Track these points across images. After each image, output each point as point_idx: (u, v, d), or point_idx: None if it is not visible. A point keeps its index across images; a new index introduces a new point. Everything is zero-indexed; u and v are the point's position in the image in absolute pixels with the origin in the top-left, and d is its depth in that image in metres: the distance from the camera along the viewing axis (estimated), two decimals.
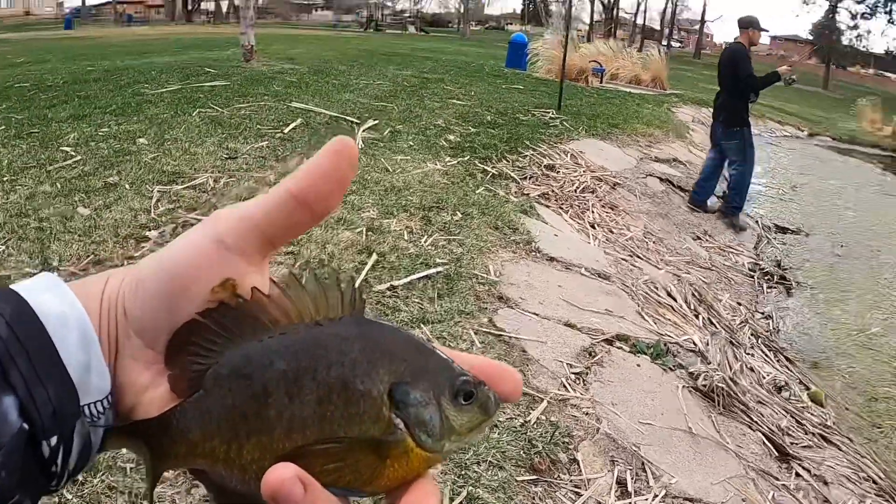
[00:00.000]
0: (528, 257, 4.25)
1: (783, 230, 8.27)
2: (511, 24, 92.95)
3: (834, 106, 37.81)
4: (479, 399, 0.39)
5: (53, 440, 0.37)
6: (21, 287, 0.38)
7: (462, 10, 73.11)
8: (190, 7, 63.85)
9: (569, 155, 7.17)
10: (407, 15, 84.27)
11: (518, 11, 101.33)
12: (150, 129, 5.97)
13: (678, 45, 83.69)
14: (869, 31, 69.39)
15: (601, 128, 9.23)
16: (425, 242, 4.05)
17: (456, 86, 10.70)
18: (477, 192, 5.27)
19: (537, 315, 3.52)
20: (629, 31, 74.63)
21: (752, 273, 6.29)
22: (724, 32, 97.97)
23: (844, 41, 69.20)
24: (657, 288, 4.50)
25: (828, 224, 9.14)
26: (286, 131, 6.19)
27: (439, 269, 3.71)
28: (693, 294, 4.66)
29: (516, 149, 6.84)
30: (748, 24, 7.75)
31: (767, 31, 7.98)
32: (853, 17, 68.85)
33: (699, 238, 6.75)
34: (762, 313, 5.44)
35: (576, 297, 3.87)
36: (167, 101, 7.18)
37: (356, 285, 0.40)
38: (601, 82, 17.40)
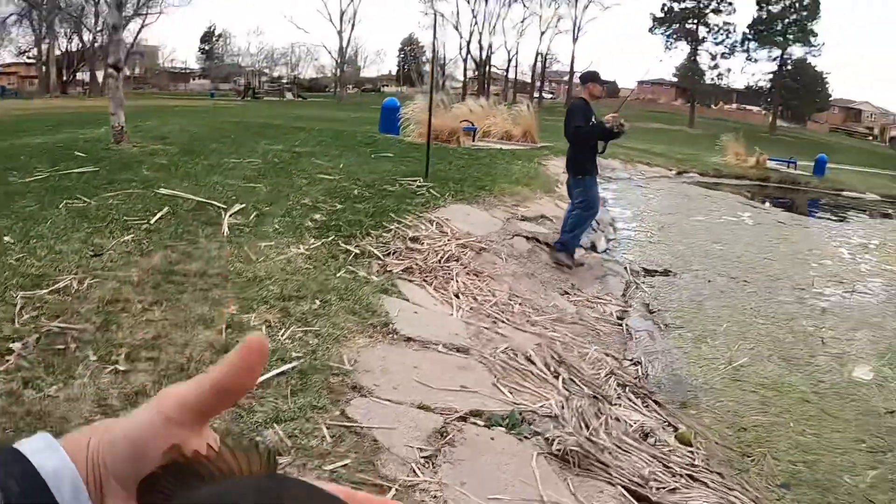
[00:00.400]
0: (384, 340, 4.30)
1: (651, 273, 8.56)
2: (387, 85, 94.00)
3: (700, 142, 39.42)
4: None
5: None
6: (25, 448, 0.51)
7: (338, 75, 73.65)
8: (65, 78, 62.39)
9: (434, 224, 7.27)
10: (284, 81, 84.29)
11: (393, 73, 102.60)
12: (17, 224, 5.76)
13: (550, 96, 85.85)
14: (729, 70, 72.87)
15: (468, 192, 9.39)
16: (282, 336, 4.07)
17: (326, 159, 10.73)
18: (338, 275, 5.30)
19: (390, 401, 3.57)
20: (502, 86, 76.38)
21: (620, 321, 6.47)
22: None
23: (707, 80, 72.33)
24: (517, 355, 4.60)
25: (696, 261, 9.50)
26: (152, 222, 6.08)
27: (294, 364, 3.73)
28: (552, 356, 4.77)
29: (381, 223, 6.90)
30: (587, 80, 8.16)
31: (608, 83, 8.32)
32: (713, 57, 72.33)
33: (567, 293, 6.90)
34: (630, 360, 5.57)
35: (431, 377, 3.93)
36: (35, 192, 6.97)
37: (271, 449, 0.52)
38: (473, 141, 17.72)
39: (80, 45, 63.25)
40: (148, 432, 0.52)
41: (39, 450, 0.50)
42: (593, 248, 9.28)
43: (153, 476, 0.52)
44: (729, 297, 7.88)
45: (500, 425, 3.57)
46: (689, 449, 4.21)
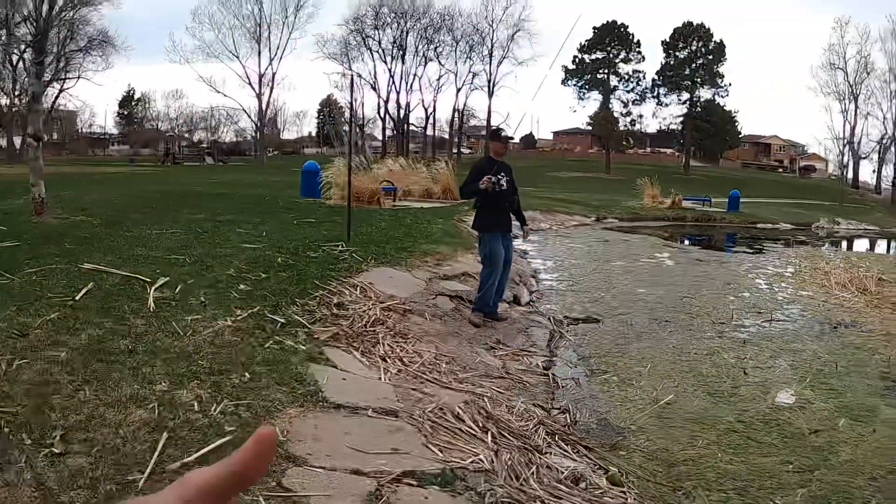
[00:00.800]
0: (315, 409, 4.35)
1: (575, 321, 8.72)
2: (307, 147, 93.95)
3: (617, 188, 40.30)
4: None
5: None
6: None
7: (258, 138, 73.30)
8: None
9: (358, 289, 7.34)
10: (204, 146, 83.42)
11: (314, 134, 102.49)
12: None
13: (468, 151, 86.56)
14: (641, 115, 74.89)
15: (391, 254, 9.49)
16: (215, 411, 4.09)
17: (248, 227, 10.75)
18: (266, 346, 5.33)
19: (324, 468, 3.62)
20: (421, 143, 76.96)
21: (546, 372, 6.58)
22: (512, 133, 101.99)
23: (621, 127, 74.13)
24: (445, 414, 4.69)
25: (619, 305, 9.71)
26: (77, 298, 5.95)
27: (228, 438, 3.77)
28: (480, 412, 4.87)
29: (307, 290, 6.95)
30: (489, 138, 8.39)
31: (512, 139, 8.51)
32: (625, 104, 74.33)
33: (493, 348, 6.99)
34: (558, 409, 5.65)
35: (363, 442, 4.00)
36: None
37: None
38: (395, 201, 17.89)
39: None
40: None
41: None
42: (516, 301, 9.40)
43: None
44: (652, 338, 8.06)
45: (434, 484, 3.65)
46: (621, 489, 4.30)
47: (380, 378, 5.30)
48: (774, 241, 22.28)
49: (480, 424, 4.66)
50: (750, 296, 11.03)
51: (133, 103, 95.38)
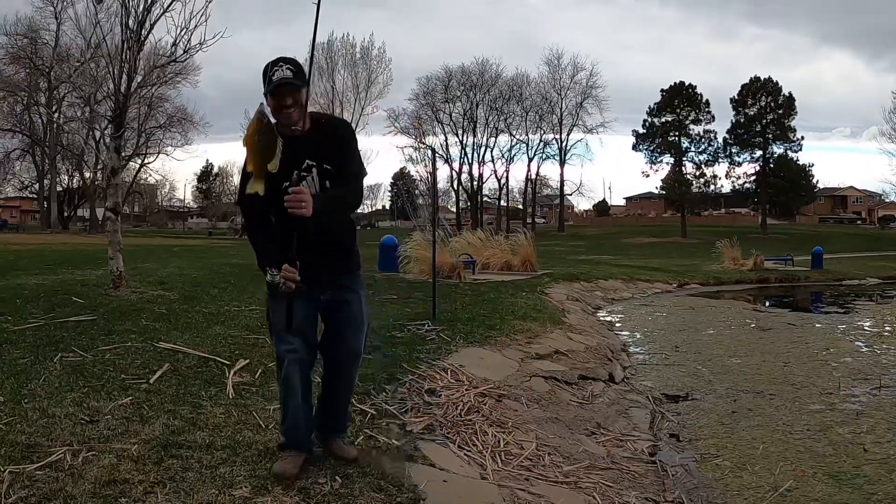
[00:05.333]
0: None
1: (674, 399, 8.28)
2: (382, 220, 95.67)
3: (695, 251, 39.85)
4: None
5: None
6: None
7: None
8: (66, 214, 63.44)
9: (448, 372, 7.02)
10: None
11: (387, 207, 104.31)
12: (8, 380, 5.44)
13: (542, 220, 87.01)
14: (715, 176, 74.20)
15: (479, 333, 9.19)
16: None
17: None
18: (357, 442, 4.95)
19: None
20: (495, 214, 77.55)
21: (652, 458, 6.13)
22: (585, 201, 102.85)
23: (694, 189, 73.62)
24: None
25: (716, 379, 9.25)
26: (152, 381, 5.72)
27: None
28: None
29: (395, 375, 6.64)
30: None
31: (288, 79, 5.68)
32: (698, 166, 73.73)
33: (593, 433, 6.57)
34: (671, 502, 5.22)
35: None
36: (29, 342, 6.76)
37: None
38: (474, 273, 17.72)
39: (81, 182, 64.51)
40: None
41: None
42: (611, 378, 8.98)
43: None
44: (758, 414, 7.58)
45: None
46: None
47: (482, 476, 4.89)
48: (864, 297, 21.65)
49: None
50: (852, 360, 10.54)
51: (211, 178, 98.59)
